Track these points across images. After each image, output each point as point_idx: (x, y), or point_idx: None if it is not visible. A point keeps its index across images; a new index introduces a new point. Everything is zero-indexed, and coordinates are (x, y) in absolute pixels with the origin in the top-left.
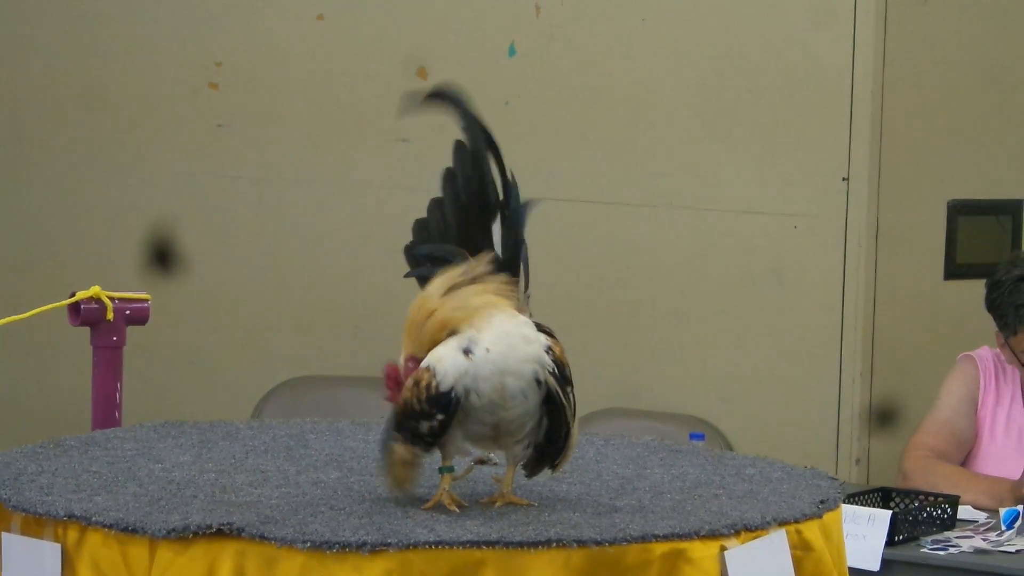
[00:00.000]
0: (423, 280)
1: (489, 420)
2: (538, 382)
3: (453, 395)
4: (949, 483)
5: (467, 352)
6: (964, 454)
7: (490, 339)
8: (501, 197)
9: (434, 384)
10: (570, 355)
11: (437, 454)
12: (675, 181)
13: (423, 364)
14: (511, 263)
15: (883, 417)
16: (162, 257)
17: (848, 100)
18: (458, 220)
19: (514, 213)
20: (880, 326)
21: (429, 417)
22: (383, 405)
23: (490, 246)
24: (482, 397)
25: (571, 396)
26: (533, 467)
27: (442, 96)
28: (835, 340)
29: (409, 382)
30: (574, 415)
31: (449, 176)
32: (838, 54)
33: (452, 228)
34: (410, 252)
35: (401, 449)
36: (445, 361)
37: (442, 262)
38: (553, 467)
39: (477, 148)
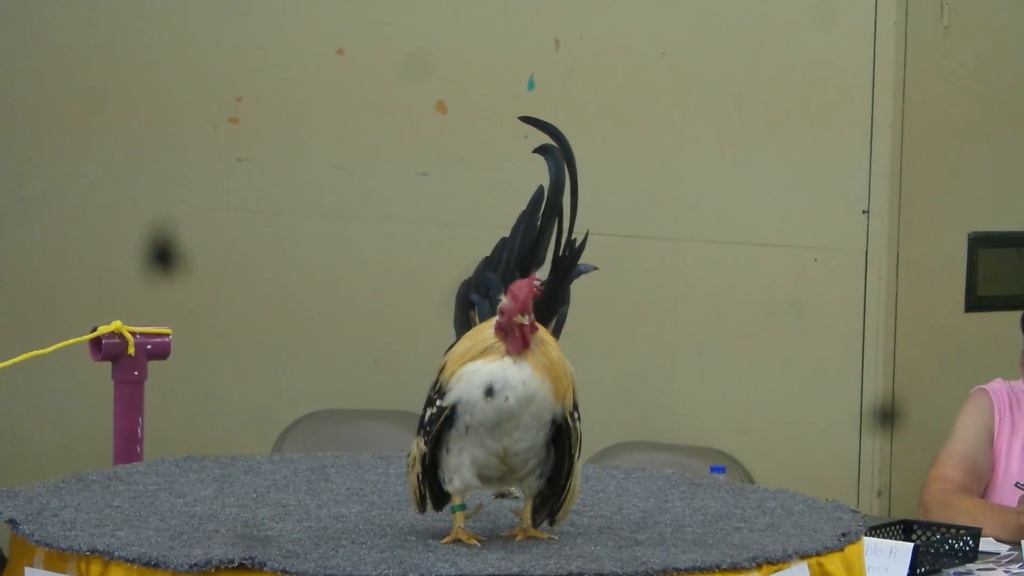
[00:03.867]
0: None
1: (493, 447)
2: (554, 422)
3: (455, 396)
4: (968, 516)
5: (488, 393)
6: (983, 486)
7: (517, 384)
8: (561, 254)
9: (446, 375)
10: (590, 388)
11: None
12: (695, 214)
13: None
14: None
15: (903, 440)
16: (184, 290)
17: (868, 133)
18: (506, 259)
19: (568, 271)
20: (901, 359)
21: (431, 403)
22: (404, 439)
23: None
24: (480, 421)
25: (578, 425)
26: (535, 513)
27: (551, 146)
28: (856, 373)
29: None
30: (579, 445)
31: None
32: (858, 86)
33: (502, 265)
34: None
35: (415, 444)
36: (465, 373)
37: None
38: (553, 517)
39: (555, 201)
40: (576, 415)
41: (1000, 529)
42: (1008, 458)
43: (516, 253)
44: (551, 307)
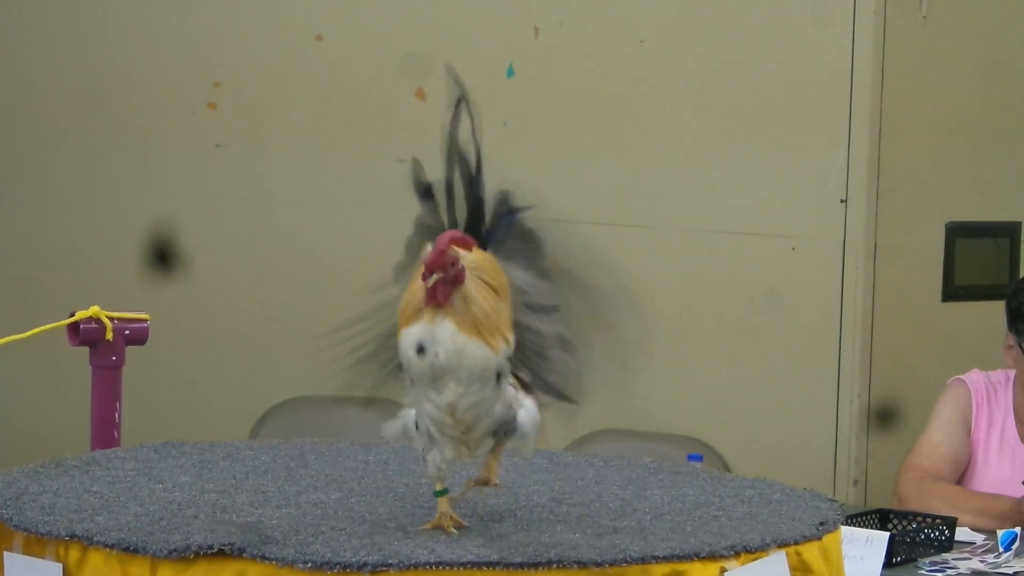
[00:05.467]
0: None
1: (437, 400)
2: (498, 376)
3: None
4: (947, 503)
5: (419, 350)
6: (959, 475)
7: (445, 340)
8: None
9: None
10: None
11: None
12: (673, 202)
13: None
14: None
15: (879, 429)
16: (161, 276)
17: (846, 122)
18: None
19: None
20: (878, 348)
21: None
22: (382, 426)
23: None
24: (418, 376)
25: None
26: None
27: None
28: (833, 362)
29: None
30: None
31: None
32: (836, 75)
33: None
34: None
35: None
36: (403, 337)
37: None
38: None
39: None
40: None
41: (979, 515)
42: (986, 449)
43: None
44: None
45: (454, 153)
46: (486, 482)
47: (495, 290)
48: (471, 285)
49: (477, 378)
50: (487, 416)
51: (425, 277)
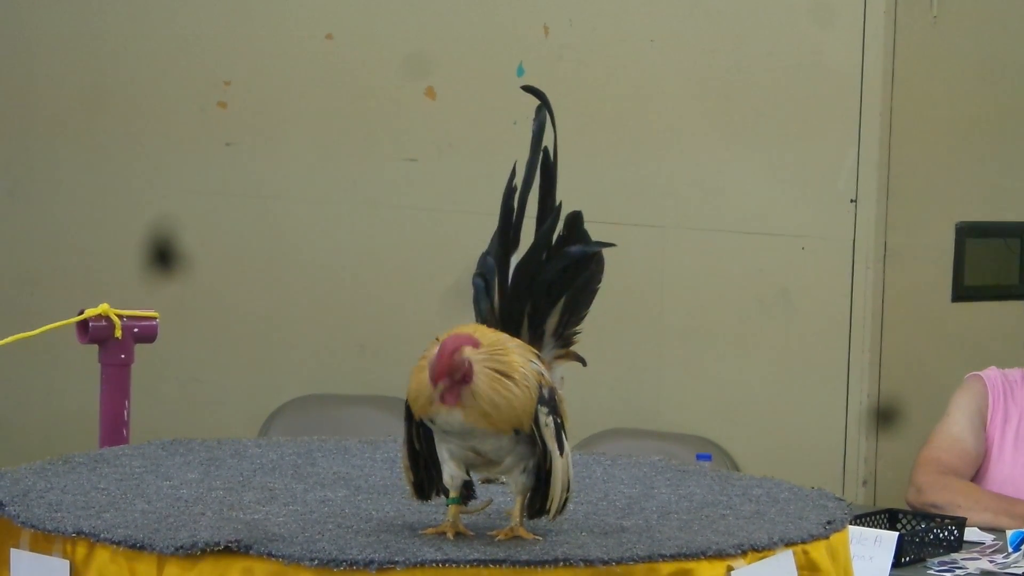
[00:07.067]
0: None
1: (463, 443)
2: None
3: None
4: (970, 500)
5: (432, 422)
6: (974, 470)
7: (455, 423)
8: (544, 233)
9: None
10: (578, 376)
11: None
12: (682, 201)
13: None
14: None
15: (888, 429)
16: (170, 274)
17: (857, 122)
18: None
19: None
20: (887, 348)
21: (407, 419)
22: (389, 424)
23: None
24: (434, 431)
25: (552, 422)
26: (528, 507)
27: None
28: (842, 362)
29: None
30: (558, 439)
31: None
32: (846, 76)
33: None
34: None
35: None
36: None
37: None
38: (541, 512)
39: (527, 177)
40: (546, 420)
41: (1003, 516)
42: (1000, 445)
43: (497, 237)
44: (550, 293)
45: (536, 159)
46: (490, 480)
47: (507, 375)
48: (480, 380)
49: (492, 436)
50: (510, 456)
51: (433, 383)
